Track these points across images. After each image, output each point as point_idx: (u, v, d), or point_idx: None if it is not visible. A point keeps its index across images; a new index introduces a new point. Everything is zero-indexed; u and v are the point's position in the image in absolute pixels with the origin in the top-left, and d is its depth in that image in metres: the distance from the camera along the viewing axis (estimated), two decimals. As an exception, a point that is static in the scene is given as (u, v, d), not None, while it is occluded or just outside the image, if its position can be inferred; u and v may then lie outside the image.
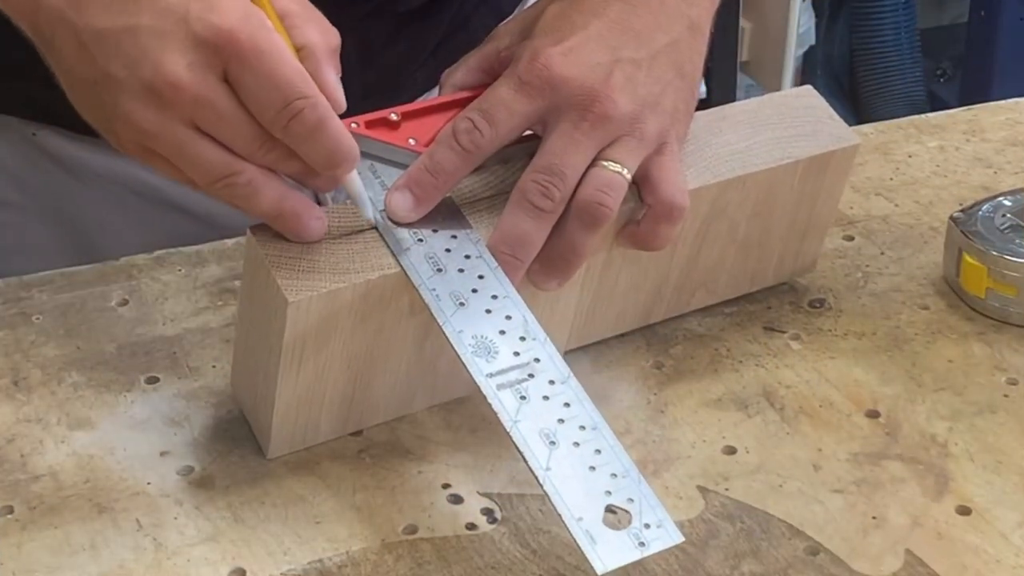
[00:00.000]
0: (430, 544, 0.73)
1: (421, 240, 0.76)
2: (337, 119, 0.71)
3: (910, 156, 1.05)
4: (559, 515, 0.67)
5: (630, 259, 0.82)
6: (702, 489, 0.76)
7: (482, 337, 0.73)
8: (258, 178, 0.72)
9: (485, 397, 0.71)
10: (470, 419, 0.81)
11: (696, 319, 0.89)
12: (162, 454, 0.78)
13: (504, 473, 0.77)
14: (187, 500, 0.75)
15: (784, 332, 0.88)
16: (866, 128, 1.09)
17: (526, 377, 0.72)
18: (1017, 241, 0.88)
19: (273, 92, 0.69)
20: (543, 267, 0.77)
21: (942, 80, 2.84)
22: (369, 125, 0.78)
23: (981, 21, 2.65)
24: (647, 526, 0.67)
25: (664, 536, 0.67)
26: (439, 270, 0.75)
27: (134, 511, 0.75)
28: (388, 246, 0.75)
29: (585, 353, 0.85)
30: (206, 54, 0.69)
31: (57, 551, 0.73)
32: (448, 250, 0.75)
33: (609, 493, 0.68)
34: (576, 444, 0.70)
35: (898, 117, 1.12)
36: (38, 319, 0.88)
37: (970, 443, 0.80)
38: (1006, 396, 0.83)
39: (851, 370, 0.85)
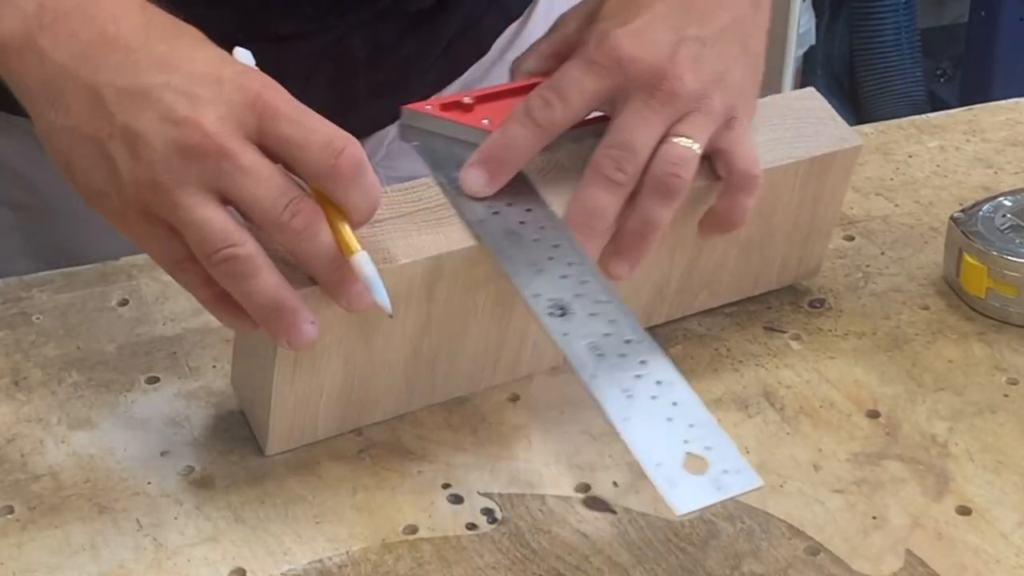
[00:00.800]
0: (430, 544, 0.73)
1: (496, 213, 0.77)
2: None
3: (910, 156, 1.05)
4: (639, 461, 0.68)
5: None
6: (702, 489, 0.76)
7: (558, 300, 0.74)
8: (260, 256, 0.70)
9: (564, 355, 0.72)
10: (470, 419, 0.81)
11: (696, 319, 0.89)
12: (162, 454, 0.78)
13: (504, 473, 0.77)
14: (187, 500, 0.75)
15: (784, 332, 0.88)
16: (866, 128, 1.09)
17: (602, 335, 0.73)
18: (1017, 241, 0.88)
19: (313, 133, 0.70)
20: (618, 247, 0.78)
21: (942, 80, 2.84)
22: (443, 108, 0.80)
23: (981, 21, 2.65)
24: (725, 472, 0.68)
25: (742, 480, 0.68)
26: (515, 240, 0.76)
27: (134, 511, 0.75)
28: (464, 219, 0.77)
29: (585, 353, 0.85)
30: (239, 112, 0.69)
31: (57, 551, 0.73)
32: (523, 222, 0.77)
33: (687, 442, 0.69)
34: (653, 397, 0.71)
35: (898, 117, 1.12)
36: (38, 319, 0.88)
37: (970, 443, 0.80)
38: (1006, 396, 0.83)
39: (851, 370, 0.85)
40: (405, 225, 0.76)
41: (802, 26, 2.46)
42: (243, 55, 0.74)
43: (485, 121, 0.80)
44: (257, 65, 0.75)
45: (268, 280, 0.70)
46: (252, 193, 0.69)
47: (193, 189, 0.69)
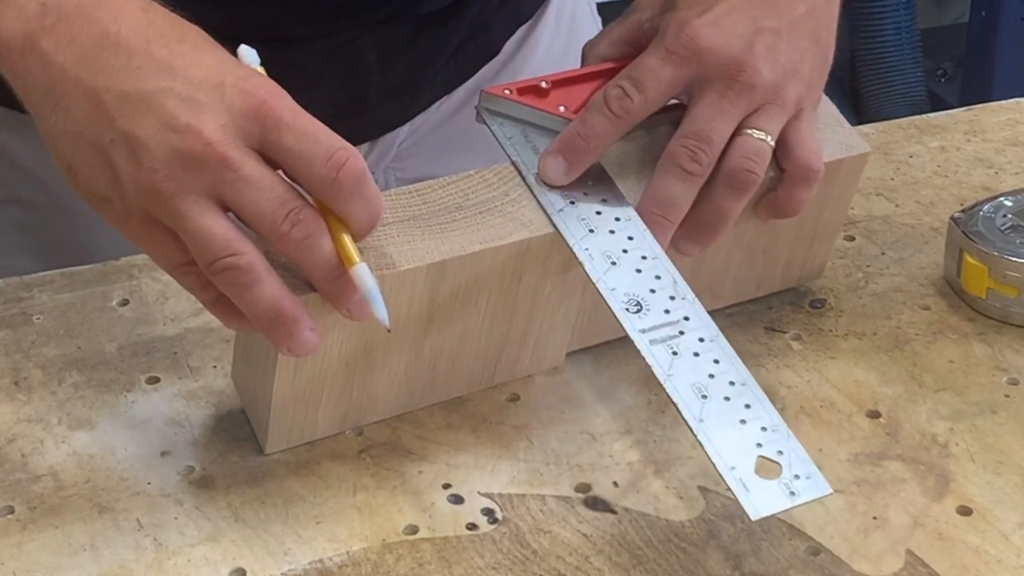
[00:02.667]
0: (430, 544, 0.73)
1: (573, 203, 0.78)
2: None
3: (911, 156, 1.05)
4: (713, 464, 0.69)
5: None
6: (703, 489, 0.76)
7: (634, 295, 0.75)
8: (260, 265, 0.69)
9: (640, 352, 0.73)
10: (470, 419, 0.81)
11: (697, 319, 0.89)
12: (162, 454, 0.78)
13: (504, 473, 0.77)
14: (187, 500, 0.75)
15: (785, 332, 0.88)
16: (867, 128, 1.09)
17: (676, 334, 0.74)
18: (1018, 241, 0.88)
19: (316, 145, 0.69)
20: (689, 232, 0.79)
21: (942, 80, 2.84)
22: (521, 92, 0.81)
23: (981, 21, 2.65)
24: (796, 477, 0.69)
25: (814, 487, 0.70)
26: (591, 231, 0.77)
27: (134, 511, 0.75)
28: (541, 207, 0.78)
29: (586, 353, 0.85)
30: (241, 120, 0.69)
31: (57, 551, 0.73)
32: (599, 212, 0.78)
33: (760, 445, 0.70)
34: (727, 399, 0.72)
35: (899, 117, 1.12)
36: (38, 319, 0.88)
37: (971, 443, 0.80)
38: (1007, 396, 0.83)
39: (852, 370, 0.85)
40: (409, 229, 0.76)
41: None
42: (248, 53, 0.74)
43: (561, 108, 0.81)
44: (265, 66, 0.74)
45: (268, 290, 0.69)
46: (253, 202, 0.69)
47: (194, 197, 0.68)
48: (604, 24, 1.11)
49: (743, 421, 0.71)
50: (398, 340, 0.77)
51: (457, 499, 0.76)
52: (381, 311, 0.70)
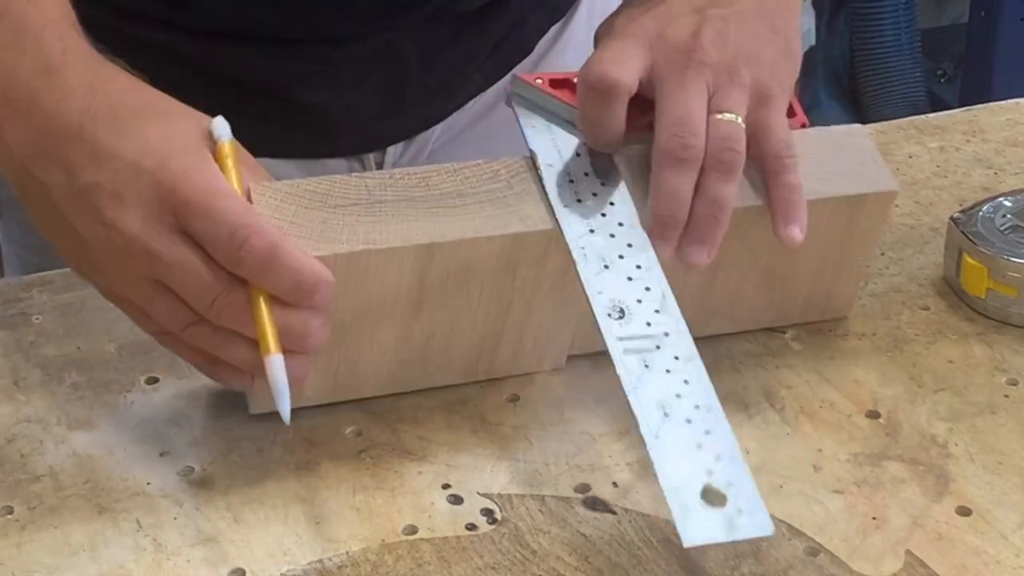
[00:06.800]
0: (430, 544, 0.73)
1: (580, 200, 0.78)
2: (292, 245, 0.71)
3: (910, 157, 1.05)
4: (659, 482, 0.69)
5: None
6: (702, 489, 0.76)
7: (619, 301, 0.75)
8: (221, 331, 0.73)
9: (612, 358, 0.73)
10: (470, 419, 0.81)
11: (696, 319, 0.88)
12: (162, 454, 0.78)
13: (504, 473, 0.77)
14: (187, 500, 0.75)
15: (784, 332, 0.88)
16: (866, 128, 1.09)
17: (653, 348, 0.74)
18: (1018, 242, 0.88)
19: (219, 227, 0.71)
20: (692, 236, 0.78)
21: (942, 80, 2.84)
22: (552, 84, 0.82)
23: (981, 21, 2.65)
24: (740, 511, 0.69)
25: (755, 525, 0.69)
26: (591, 231, 0.78)
27: (134, 511, 0.75)
28: (547, 201, 0.78)
29: (585, 353, 0.85)
30: (158, 210, 0.71)
31: (57, 551, 0.73)
32: (604, 215, 0.78)
33: (711, 473, 0.70)
34: (688, 421, 0.72)
35: (898, 117, 1.12)
36: (38, 319, 0.88)
37: (970, 444, 0.80)
38: (1006, 397, 0.83)
39: (851, 370, 0.85)
40: (405, 209, 0.76)
41: (802, 26, 2.46)
42: (218, 127, 0.75)
43: None
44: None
45: (241, 349, 0.73)
46: (182, 287, 0.72)
47: (140, 283, 0.72)
48: None
49: (699, 446, 0.71)
50: (387, 317, 0.77)
51: (456, 499, 0.76)
52: (284, 408, 0.72)
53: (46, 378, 0.83)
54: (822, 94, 2.73)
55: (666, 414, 0.72)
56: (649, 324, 0.75)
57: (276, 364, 0.71)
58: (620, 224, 0.78)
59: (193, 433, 0.80)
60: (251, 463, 0.78)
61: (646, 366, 0.73)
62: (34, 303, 0.89)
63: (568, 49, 1.08)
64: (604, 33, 0.84)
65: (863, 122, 1.02)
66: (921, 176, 1.03)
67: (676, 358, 0.74)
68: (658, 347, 0.74)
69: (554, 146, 0.80)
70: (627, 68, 0.79)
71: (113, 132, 0.72)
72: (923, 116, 1.10)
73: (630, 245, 0.78)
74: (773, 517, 0.74)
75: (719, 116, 0.78)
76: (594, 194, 0.79)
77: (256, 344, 0.72)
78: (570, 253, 0.77)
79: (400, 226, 0.75)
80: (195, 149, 0.73)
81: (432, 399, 0.82)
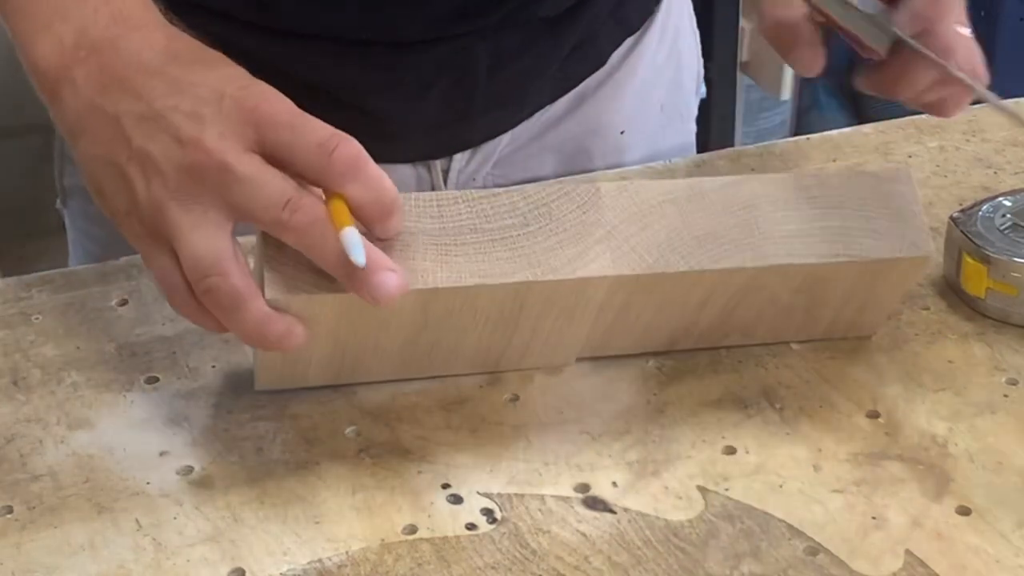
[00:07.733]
0: (430, 544, 0.73)
1: None
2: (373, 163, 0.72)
3: (910, 156, 1.05)
4: None
5: (651, 306, 0.81)
6: (702, 489, 0.76)
7: None
8: (246, 289, 0.72)
9: None
10: (470, 419, 0.81)
11: (696, 319, 0.89)
12: (162, 454, 0.78)
13: (504, 473, 0.77)
14: (187, 500, 0.75)
15: (784, 332, 0.88)
16: (866, 128, 1.09)
17: None
18: (1017, 241, 0.88)
19: (307, 136, 0.71)
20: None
21: (942, 80, 2.84)
22: None
23: (981, 21, 2.65)
24: None
25: None
26: None
27: (134, 511, 0.75)
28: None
29: (585, 353, 0.85)
30: (238, 127, 0.71)
31: (56, 551, 0.73)
32: None
33: None
34: None
35: (898, 117, 1.12)
36: (38, 319, 0.88)
37: (970, 443, 0.80)
38: (1006, 396, 0.83)
39: (851, 370, 0.85)
40: (412, 242, 0.75)
41: (802, 26, 2.45)
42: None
43: None
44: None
45: (251, 313, 0.72)
46: (253, 199, 0.71)
47: (200, 209, 0.71)
48: (701, 36, 1.14)
49: None
50: (391, 332, 0.77)
51: (456, 499, 0.76)
52: (359, 258, 0.70)
53: (45, 378, 0.83)
54: (822, 93, 2.73)
55: None
56: None
57: (350, 234, 0.70)
58: None
59: (193, 433, 0.80)
60: (251, 463, 0.78)
61: None
62: (34, 303, 0.89)
63: (641, 62, 1.08)
64: None
65: (863, 121, 1.02)
66: (921, 176, 1.03)
67: None
68: None
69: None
70: None
71: (196, 70, 0.73)
72: (923, 116, 1.10)
73: None
74: (773, 517, 0.74)
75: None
76: None
77: (263, 311, 0.72)
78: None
79: (404, 264, 0.74)
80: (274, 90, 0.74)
81: (432, 399, 0.82)
